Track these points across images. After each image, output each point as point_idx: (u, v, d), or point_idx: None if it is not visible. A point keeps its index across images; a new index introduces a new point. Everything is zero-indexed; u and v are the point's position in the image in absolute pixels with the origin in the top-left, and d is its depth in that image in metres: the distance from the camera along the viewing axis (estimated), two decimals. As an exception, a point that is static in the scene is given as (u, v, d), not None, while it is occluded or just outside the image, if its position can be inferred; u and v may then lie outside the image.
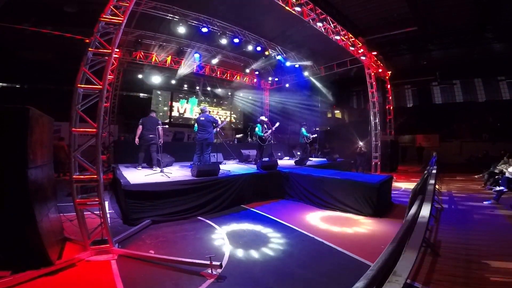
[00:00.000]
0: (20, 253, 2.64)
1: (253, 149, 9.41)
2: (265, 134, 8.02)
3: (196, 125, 6.88)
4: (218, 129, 7.07)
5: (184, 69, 12.39)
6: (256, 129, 8.12)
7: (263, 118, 8.42)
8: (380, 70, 12.33)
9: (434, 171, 5.35)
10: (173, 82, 14.61)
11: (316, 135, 10.36)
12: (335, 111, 21.45)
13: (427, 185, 3.77)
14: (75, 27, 8.59)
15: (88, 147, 3.37)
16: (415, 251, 1.57)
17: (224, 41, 9.89)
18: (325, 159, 10.14)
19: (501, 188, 5.91)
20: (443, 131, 17.95)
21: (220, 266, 2.85)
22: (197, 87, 16.27)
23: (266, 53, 11.01)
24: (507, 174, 6.16)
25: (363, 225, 4.53)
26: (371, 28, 11.47)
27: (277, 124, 8.29)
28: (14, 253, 2.61)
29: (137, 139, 6.45)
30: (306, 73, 13.53)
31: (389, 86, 13.59)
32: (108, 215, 3.72)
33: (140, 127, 6.46)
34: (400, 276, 1.18)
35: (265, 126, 8.16)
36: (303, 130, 10.06)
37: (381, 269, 1.26)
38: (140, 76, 13.33)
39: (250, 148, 10.02)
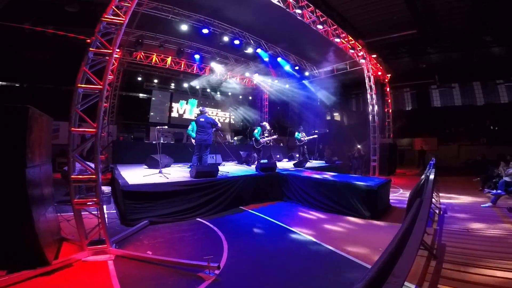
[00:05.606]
0: (16, 253, 2.61)
1: (252, 151, 9.41)
2: (261, 139, 8.15)
3: (190, 127, 6.96)
4: (217, 128, 7.10)
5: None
6: (255, 131, 8.25)
7: (265, 124, 8.60)
8: (379, 73, 12.39)
9: (432, 175, 5.36)
10: (173, 83, 14.62)
11: (313, 136, 10.46)
12: (334, 114, 21.48)
13: (425, 188, 3.77)
14: (76, 27, 8.60)
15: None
16: (413, 254, 1.58)
17: (224, 43, 9.90)
18: (323, 162, 10.16)
19: (499, 191, 5.94)
20: (441, 134, 18.00)
21: (218, 267, 2.84)
22: (197, 87, 16.28)
23: (268, 59, 11.04)
24: (504, 178, 6.19)
25: (361, 228, 4.53)
26: (371, 31, 11.53)
27: (275, 136, 8.77)
28: (10, 252, 2.58)
29: None
30: (305, 75, 13.56)
31: (388, 89, 13.65)
32: (106, 216, 3.70)
33: None
34: (399, 277, 1.18)
35: (264, 132, 8.38)
36: (297, 133, 10.40)
37: (379, 270, 1.27)
38: (140, 76, 13.34)
39: (249, 150, 10.02)
